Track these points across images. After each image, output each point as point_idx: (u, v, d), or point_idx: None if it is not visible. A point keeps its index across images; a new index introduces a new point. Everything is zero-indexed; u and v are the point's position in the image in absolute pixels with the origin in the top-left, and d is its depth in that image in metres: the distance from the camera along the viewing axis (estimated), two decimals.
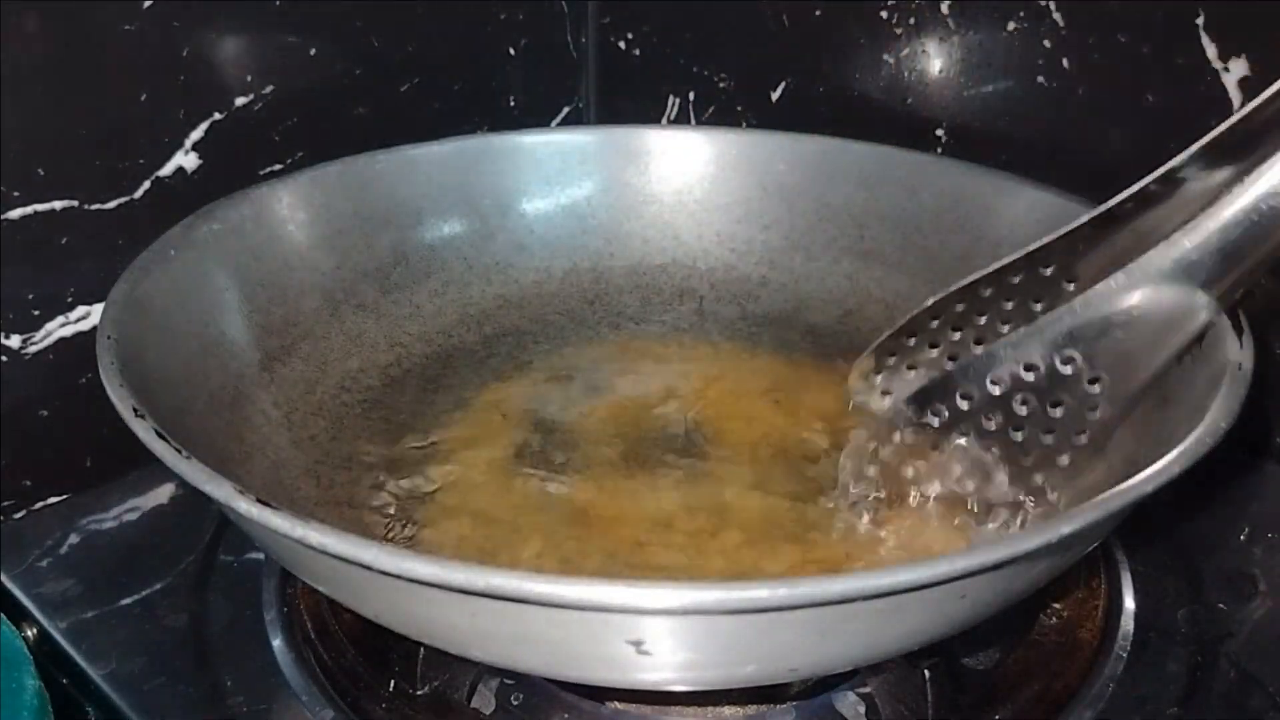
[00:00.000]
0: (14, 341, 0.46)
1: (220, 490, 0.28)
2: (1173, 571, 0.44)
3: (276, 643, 0.41)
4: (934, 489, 0.39)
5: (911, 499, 0.39)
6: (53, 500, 0.49)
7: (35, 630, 0.42)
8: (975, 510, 0.38)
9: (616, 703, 0.37)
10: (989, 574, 0.26)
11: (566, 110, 0.65)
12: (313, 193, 0.48)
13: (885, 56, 0.54)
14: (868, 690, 0.37)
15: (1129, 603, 0.42)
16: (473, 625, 0.28)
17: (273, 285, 0.45)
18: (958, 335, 0.40)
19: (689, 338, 0.52)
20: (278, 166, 0.52)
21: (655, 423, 0.45)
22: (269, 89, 0.50)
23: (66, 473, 0.49)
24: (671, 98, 0.63)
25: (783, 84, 0.58)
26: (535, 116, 0.63)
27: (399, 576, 0.25)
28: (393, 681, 0.38)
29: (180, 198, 0.47)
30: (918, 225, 0.50)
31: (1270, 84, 0.32)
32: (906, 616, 0.29)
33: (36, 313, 0.47)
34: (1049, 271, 0.38)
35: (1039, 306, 0.38)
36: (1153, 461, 0.29)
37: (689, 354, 0.50)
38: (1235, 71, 0.46)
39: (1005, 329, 0.38)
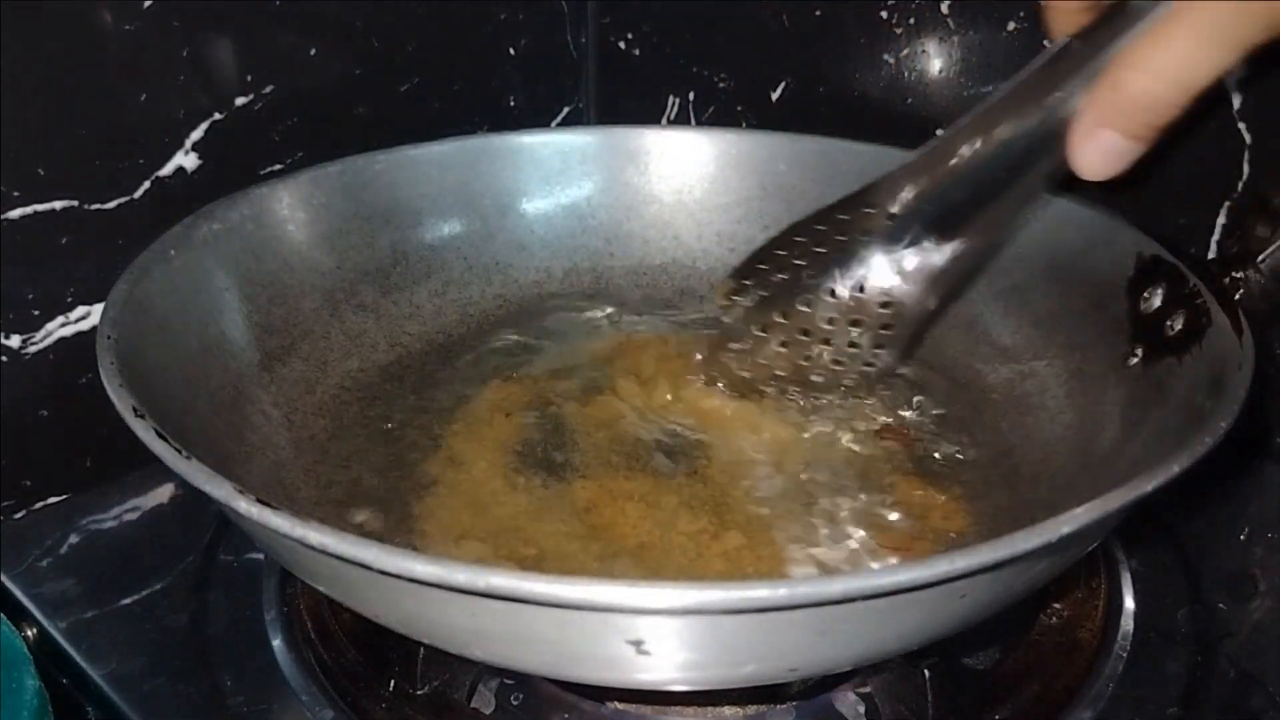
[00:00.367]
0: (14, 341, 0.46)
1: (220, 490, 0.28)
2: (1173, 571, 0.44)
3: (276, 643, 0.41)
4: (768, 386, 0.46)
5: (751, 393, 0.46)
6: (53, 500, 0.49)
7: (35, 630, 0.42)
8: (802, 404, 0.45)
9: (616, 703, 0.37)
10: (989, 574, 0.26)
11: (566, 110, 0.65)
12: (313, 193, 0.48)
13: (885, 56, 0.54)
14: (868, 690, 0.37)
15: (1129, 603, 0.42)
16: (473, 625, 0.28)
17: (273, 285, 0.45)
18: (798, 263, 0.44)
19: (689, 338, 0.51)
20: (278, 166, 0.52)
21: (655, 423, 0.45)
22: (269, 89, 0.50)
23: (66, 473, 0.49)
24: (671, 98, 0.63)
25: (783, 84, 0.58)
26: (535, 116, 0.63)
27: (399, 576, 0.25)
28: (393, 681, 0.38)
29: (180, 198, 0.47)
30: None
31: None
32: (906, 616, 0.29)
33: (36, 313, 0.47)
34: (870, 210, 0.42)
35: (864, 237, 0.43)
36: (1153, 461, 0.29)
37: (689, 354, 0.50)
38: (1235, 71, 0.46)
39: (830, 258, 0.44)
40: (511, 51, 0.61)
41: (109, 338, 0.35)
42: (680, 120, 0.63)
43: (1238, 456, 0.49)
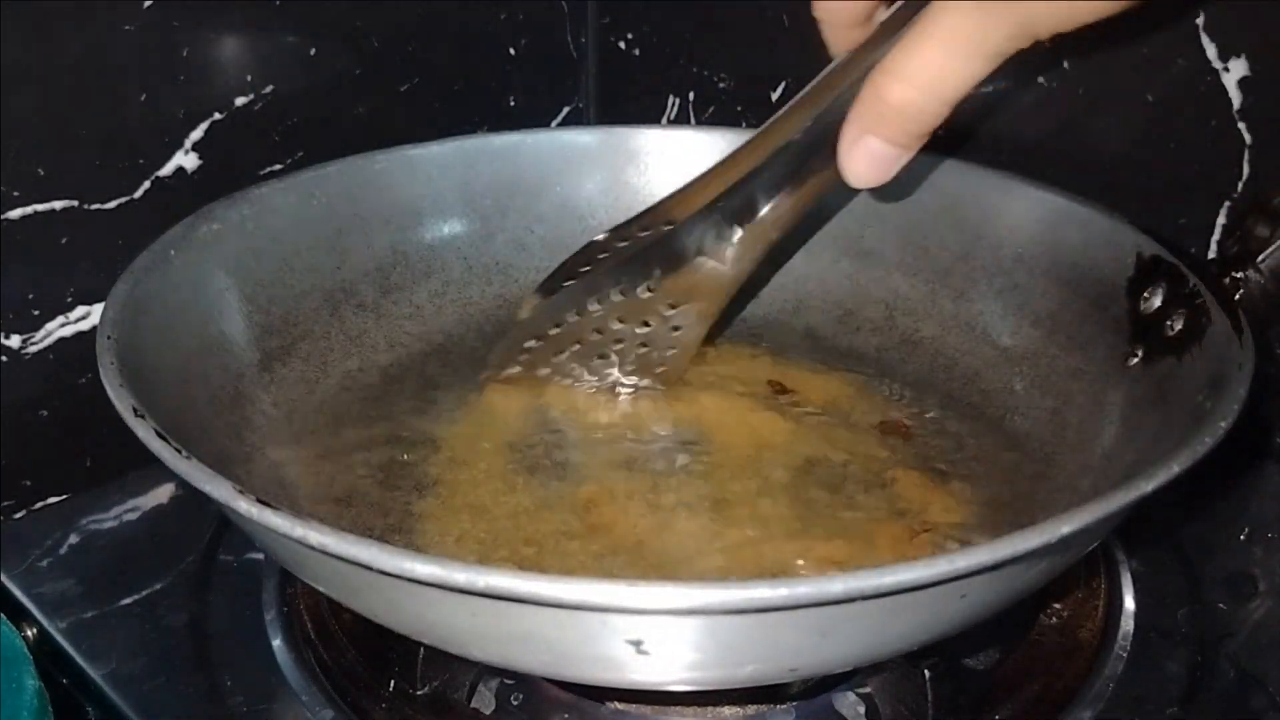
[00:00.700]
0: (14, 341, 0.46)
1: (220, 490, 0.28)
2: (1173, 571, 0.44)
3: (276, 643, 0.41)
4: (563, 379, 0.47)
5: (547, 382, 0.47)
6: (53, 500, 0.49)
7: (35, 630, 0.42)
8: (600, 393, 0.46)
9: (616, 703, 0.37)
10: (989, 574, 0.26)
11: (566, 110, 0.65)
12: (313, 193, 0.48)
13: None
14: (868, 690, 0.37)
15: (1129, 603, 0.42)
16: (473, 625, 0.28)
17: (273, 285, 0.45)
18: (588, 269, 0.45)
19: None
20: (278, 166, 0.52)
21: (655, 423, 0.45)
22: (269, 89, 0.50)
23: (66, 473, 0.49)
24: (671, 98, 0.63)
25: (783, 84, 0.58)
26: (535, 116, 0.63)
27: (399, 576, 0.25)
28: (393, 681, 0.38)
29: (180, 198, 0.47)
30: (917, 225, 0.50)
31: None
32: (906, 616, 0.29)
33: (36, 313, 0.47)
34: (666, 226, 0.44)
35: (649, 244, 0.44)
36: (1153, 461, 0.29)
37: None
38: (1235, 71, 0.46)
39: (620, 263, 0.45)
40: (511, 51, 0.61)
41: (109, 338, 0.35)
42: (680, 120, 0.63)
43: (1238, 456, 0.49)
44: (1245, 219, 0.42)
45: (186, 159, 0.49)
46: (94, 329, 0.38)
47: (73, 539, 0.47)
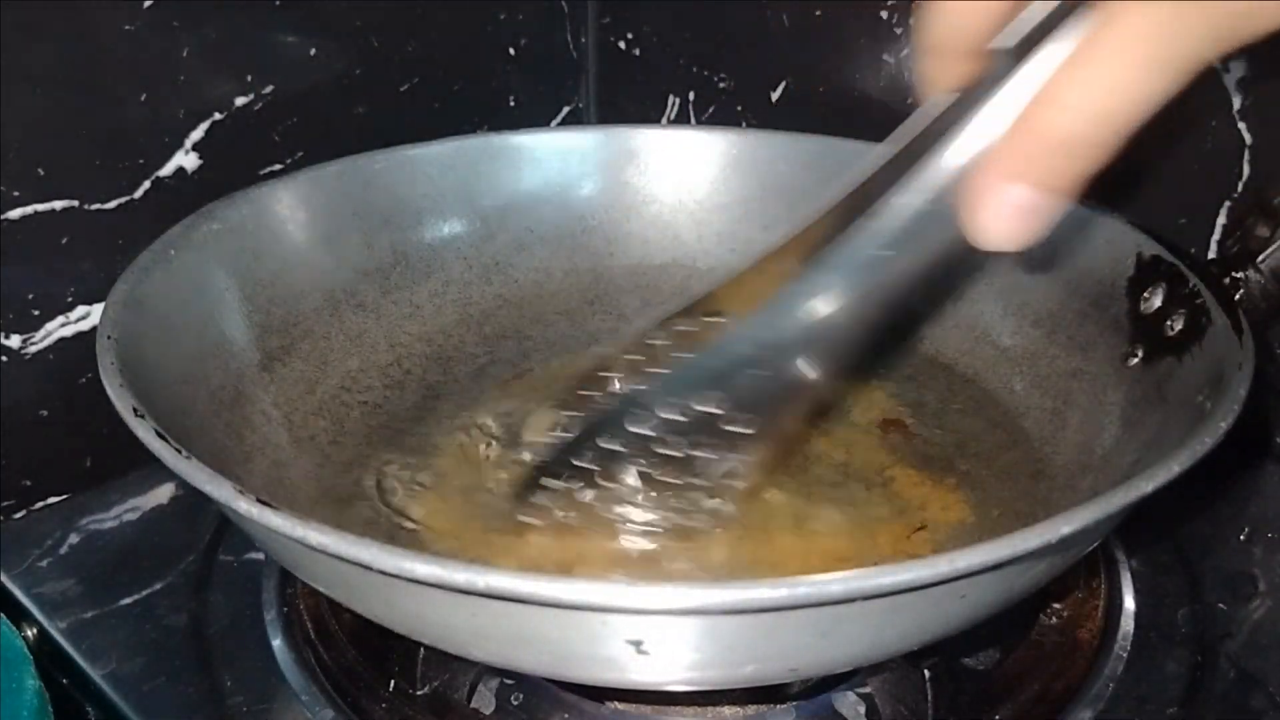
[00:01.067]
0: (14, 341, 0.46)
1: (220, 490, 0.28)
2: (1173, 571, 0.44)
3: (276, 643, 0.41)
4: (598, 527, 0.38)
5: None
6: (53, 500, 0.49)
7: (35, 630, 0.42)
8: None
9: (616, 703, 0.37)
10: (989, 574, 0.26)
11: (566, 110, 0.65)
12: (313, 193, 0.48)
13: (885, 56, 0.54)
14: (868, 690, 0.37)
15: (1129, 603, 0.42)
16: (473, 625, 0.28)
17: (273, 285, 0.45)
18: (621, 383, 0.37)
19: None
20: (278, 166, 0.52)
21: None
22: (269, 89, 0.50)
23: (66, 473, 0.49)
24: (671, 98, 0.63)
25: (783, 84, 0.58)
26: (535, 116, 0.63)
27: (399, 576, 0.25)
28: (393, 681, 0.38)
29: (180, 198, 0.47)
30: None
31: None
32: (906, 616, 0.29)
33: (36, 313, 0.47)
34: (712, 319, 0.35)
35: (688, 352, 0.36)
36: (1153, 461, 0.29)
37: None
38: (1235, 72, 0.46)
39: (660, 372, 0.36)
40: (511, 51, 0.61)
41: (109, 338, 0.35)
42: (680, 120, 0.63)
43: (1238, 456, 0.49)
44: (1245, 219, 0.42)
45: (186, 159, 0.49)
46: (94, 329, 0.38)
47: (73, 539, 0.47)
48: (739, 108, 0.61)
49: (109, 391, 0.32)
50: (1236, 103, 0.46)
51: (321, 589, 0.34)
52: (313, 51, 0.52)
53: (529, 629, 0.28)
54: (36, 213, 0.45)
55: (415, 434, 0.44)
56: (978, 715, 0.37)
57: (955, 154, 0.29)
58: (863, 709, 0.37)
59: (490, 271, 0.53)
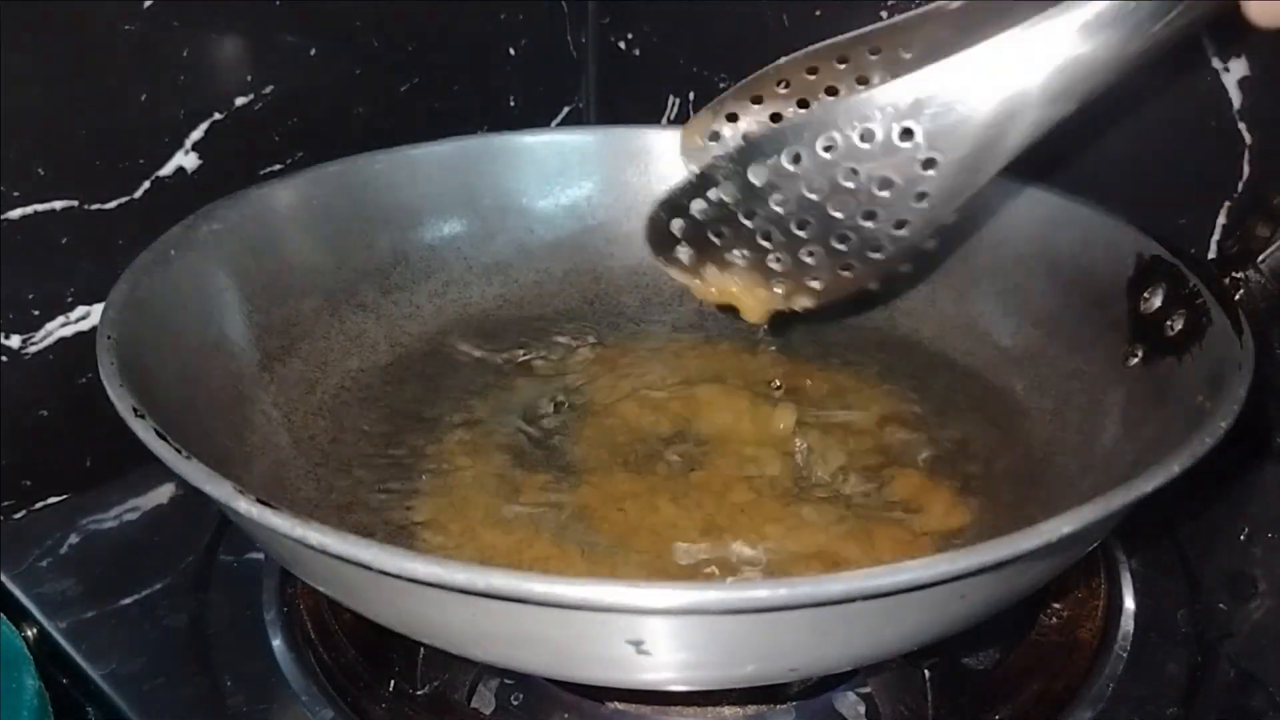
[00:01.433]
0: (14, 341, 0.46)
1: (220, 490, 0.28)
2: (1173, 571, 0.44)
3: (276, 643, 0.41)
4: (740, 255, 0.37)
5: (720, 261, 0.37)
6: (53, 500, 0.49)
7: (35, 630, 0.42)
8: (780, 285, 0.37)
9: (616, 703, 0.37)
10: (989, 574, 0.26)
11: (566, 110, 0.65)
12: (313, 193, 0.48)
13: None
14: (868, 690, 0.37)
15: (1129, 603, 0.42)
16: (473, 625, 0.28)
17: (273, 285, 0.45)
18: (797, 101, 0.38)
19: (689, 338, 0.52)
20: (278, 166, 0.52)
21: (655, 422, 0.45)
22: (269, 89, 0.50)
23: (66, 473, 0.49)
24: (671, 98, 0.63)
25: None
26: (535, 116, 0.63)
27: (399, 576, 0.25)
28: (393, 681, 0.38)
29: (180, 198, 0.47)
30: None
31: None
32: (906, 616, 0.29)
33: (36, 313, 0.47)
34: (888, 51, 0.36)
35: (877, 79, 0.37)
36: (1153, 461, 0.29)
37: (689, 354, 0.50)
38: (1235, 72, 0.46)
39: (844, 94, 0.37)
40: (511, 51, 0.61)
41: (109, 338, 0.35)
42: (680, 120, 0.63)
43: (1238, 456, 0.49)
44: (1245, 219, 0.42)
45: (186, 159, 0.49)
46: (94, 329, 0.38)
47: (73, 539, 0.47)
48: None
49: (109, 391, 0.32)
50: (1236, 103, 0.46)
51: (321, 589, 0.34)
52: (313, 51, 0.52)
53: (529, 629, 0.28)
54: (36, 213, 0.45)
55: (415, 433, 0.44)
56: (978, 715, 0.37)
57: None
58: (863, 709, 0.37)
59: (490, 271, 0.53)
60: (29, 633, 0.42)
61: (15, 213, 0.44)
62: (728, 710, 0.37)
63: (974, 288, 0.49)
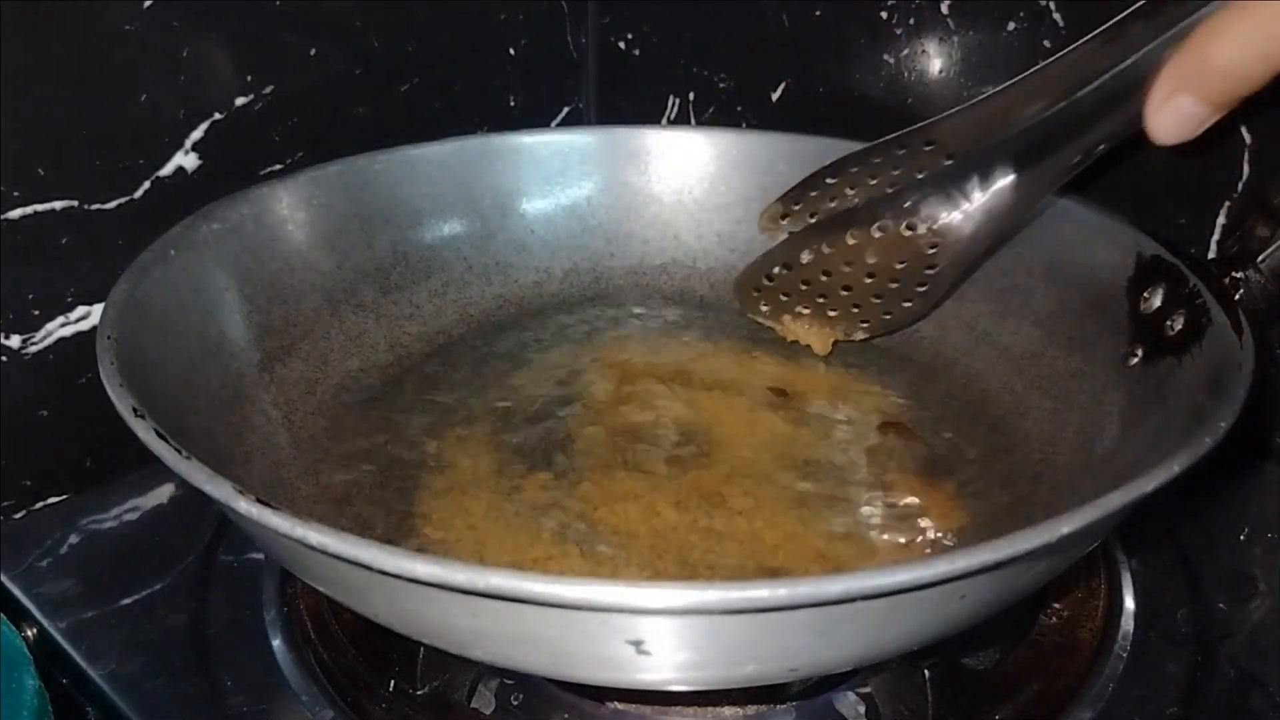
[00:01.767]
0: (14, 341, 0.46)
1: (220, 490, 0.28)
2: (1173, 571, 0.44)
3: (276, 643, 0.41)
4: (806, 309, 0.49)
5: (792, 313, 0.50)
6: (53, 500, 0.49)
7: (35, 630, 0.42)
8: (838, 326, 0.49)
9: (616, 703, 0.37)
10: (989, 574, 0.26)
11: (566, 110, 0.65)
12: (313, 193, 0.48)
13: (885, 56, 0.54)
14: (868, 690, 0.37)
15: (1129, 603, 0.42)
16: (473, 625, 0.28)
17: (273, 285, 0.45)
18: (849, 193, 0.46)
19: (689, 337, 0.52)
20: (278, 166, 0.52)
21: (655, 423, 0.45)
22: (269, 89, 0.50)
23: (66, 473, 0.49)
24: (671, 98, 0.63)
25: (783, 84, 0.58)
26: (535, 116, 0.63)
27: (399, 576, 0.25)
28: (393, 681, 0.38)
29: (180, 198, 0.47)
30: None
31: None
32: (906, 616, 0.29)
33: (36, 313, 0.47)
34: (928, 148, 0.43)
35: (920, 175, 0.44)
36: (1153, 462, 0.29)
37: (689, 354, 0.50)
38: None
39: (882, 192, 0.45)
40: (511, 51, 0.61)
41: (109, 338, 0.35)
42: (680, 120, 0.63)
43: (1238, 456, 0.49)
44: (1245, 219, 0.42)
45: (186, 159, 0.49)
46: (94, 329, 0.38)
47: (73, 539, 0.47)
48: (739, 108, 0.61)
49: (109, 392, 0.32)
50: None
51: (321, 589, 0.34)
52: (313, 51, 0.52)
53: (529, 629, 0.28)
54: (36, 213, 0.45)
55: (415, 433, 0.44)
56: (978, 715, 0.37)
57: (1142, 56, 0.36)
58: (863, 709, 0.37)
59: (490, 271, 0.53)
60: (29, 633, 0.42)
61: (15, 213, 0.44)
62: (728, 710, 0.37)
63: (974, 288, 0.48)
